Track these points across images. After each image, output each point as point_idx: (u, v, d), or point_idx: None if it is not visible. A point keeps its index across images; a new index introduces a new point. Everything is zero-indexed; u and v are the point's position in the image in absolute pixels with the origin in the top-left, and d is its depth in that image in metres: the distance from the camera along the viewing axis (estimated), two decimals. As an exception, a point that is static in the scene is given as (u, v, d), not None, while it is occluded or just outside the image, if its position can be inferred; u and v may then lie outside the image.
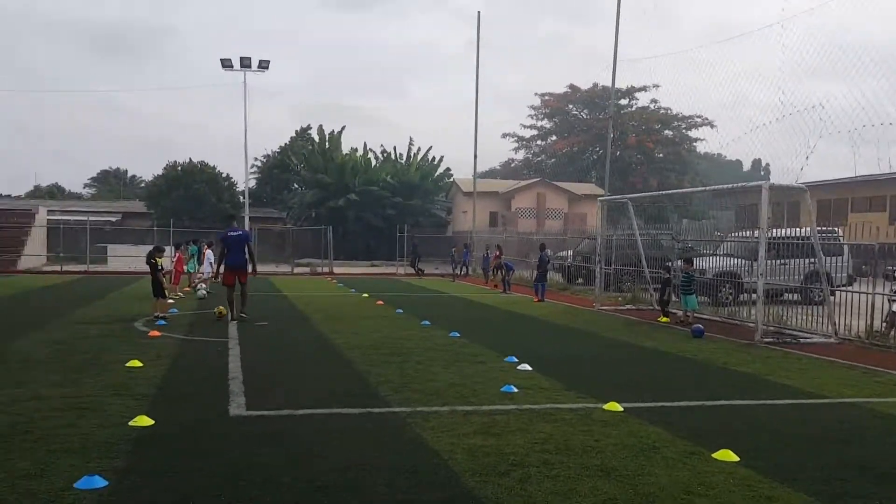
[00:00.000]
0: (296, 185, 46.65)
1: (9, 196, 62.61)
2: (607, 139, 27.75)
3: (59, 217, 38.56)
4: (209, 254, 20.46)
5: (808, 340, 13.19)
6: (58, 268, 31.33)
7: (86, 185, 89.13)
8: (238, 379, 8.27)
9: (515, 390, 8.06)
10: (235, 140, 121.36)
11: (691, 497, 4.85)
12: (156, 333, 11.73)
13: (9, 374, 8.24)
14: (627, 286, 22.21)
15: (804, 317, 14.44)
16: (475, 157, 35.72)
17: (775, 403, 7.90)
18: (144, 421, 6.24)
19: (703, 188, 16.14)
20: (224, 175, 45.71)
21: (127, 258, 30.22)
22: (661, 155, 59.42)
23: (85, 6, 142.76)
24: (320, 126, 45.60)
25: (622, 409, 7.30)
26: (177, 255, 19.92)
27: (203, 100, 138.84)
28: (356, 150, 45.93)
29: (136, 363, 8.92)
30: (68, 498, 4.45)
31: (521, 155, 67.34)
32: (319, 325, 13.81)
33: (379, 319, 15.06)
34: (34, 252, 32.82)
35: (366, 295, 21.14)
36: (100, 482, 4.69)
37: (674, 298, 17.03)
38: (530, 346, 11.80)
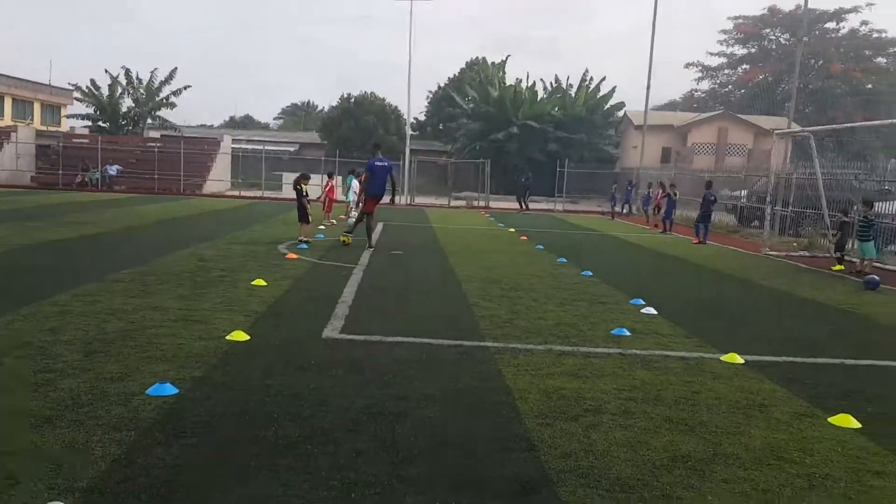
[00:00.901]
0: (464, 119, 46.65)
1: (208, 126, 68.61)
2: (795, 64, 24.73)
3: (244, 146, 41.61)
4: (355, 183, 21.13)
5: None
6: (237, 192, 34.04)
7: (275, 118, 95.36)
8: (346, 303, 8.39)
9: (628, 334, 7.48)
10: (398, 72, 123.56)
11: (780, 462, 4.20)
12: (293, 256, 12.26)
13: (145, 285, 8.94)
14: (806, 231, 20.10)
15: None
16: (648, 85, 33.49)
17: (940, 369, 6.70)
18: (241, 336, 6.47)
19: (892, 120, 13.87)
20: (393, 107, 46.75)
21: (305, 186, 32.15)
22: (869, 86, 52.53)
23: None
24: (483, 58, 45.00)
25: (742, 362, 6.53)
26: (328, 183, 20.63)
27: (383, 32, 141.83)
28: (520, 80, 44.93)
29: (261, 282, 9.34)
30: (135, 402, 4.68)
31: (705, 85, 62.50)
32: (452, 256, 13.76)
33: (515, 254, 14.75)
34: (218, 177, 35.76)
35: (512, 230, 20.84)
36: (170, 390, 4.89)
37: (852, 246, 15.12)
38: (667, 289, 10.99)
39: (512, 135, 41.00)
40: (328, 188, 20.68)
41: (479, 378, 5.66)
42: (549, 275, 11.84)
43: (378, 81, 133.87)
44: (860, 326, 8.69)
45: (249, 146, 42.81)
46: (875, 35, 52.81)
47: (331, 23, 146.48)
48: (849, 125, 17.96)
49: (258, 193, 33.77)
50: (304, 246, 13.88)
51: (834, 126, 20.97)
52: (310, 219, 15.10)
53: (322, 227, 18.44)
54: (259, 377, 5.38)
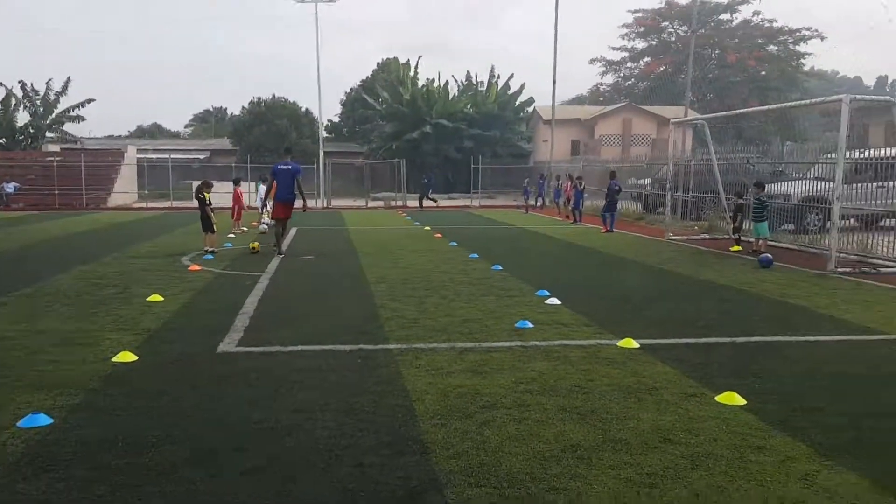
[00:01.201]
0: (378, 120, 46.34)
1: (116, 137, 65.74)
2: (689, 55, 25.72)
3: (152, 156, 40.05)
4: (261, 189, 20.98)
5: (891, 270, 11.90)
6: (144, 204, 32.80)
7: (187, 125, 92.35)
8: (248, 314, 8.16)
9: (530, 326, 7.56)
10: (323, 75, 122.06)
11: (666, 445, 4.30)
12: (195, 268, 11.86)
13: (33, 307, 8.45)
14: (706, 214, 20.92)
15: (889, 244, 13.03)
16: (554, 81, 34.15)
17: (821, 340, 7.05)
18: (128, 357, 6.18)
19: (777, 105, 14.60)
20: (305, 110, 46.01)
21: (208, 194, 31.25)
22: (764, 73, 55.14)
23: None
24: (395, 58, 44.87)
25: (637, 346, 6.70)
26: (236, 190, 20.13)
27: (298, 35, 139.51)
28: (433, 80, 45.05)
29: (157, 298, 8.97)
30: (3, 436, 4.38)
31: (610, 79, 64.22)
32: (363, 258, 13.63)
33: (428, 252, 14.74)
34: (124, 189, 34.34)
35: (427, 228, 20.87)
36: (44, 420, 4.60)
37: (748, 226, 15.81)
38: (572, 279, 11.20)
39: (426, 134, 41.05)
40: (235, 195, 20.17)
41: (378, 382, 5.58)
42: (461, 271, 11.88)
43: (292, 85, 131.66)
44: (754, 304, 9.07)
45: (157, 155, 41.30)
46: (766, 24, 55.44)
47: (241, 27, 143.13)
48: (737, 112, 18.75)
49: (168, 204, 32.65)
50: (210, 256, 13.47)
51: (725, 113, 21.91)
52: (214, 228, 14.65)
53: (232, 235, 17.97)
54: (144, 400, 5.14)
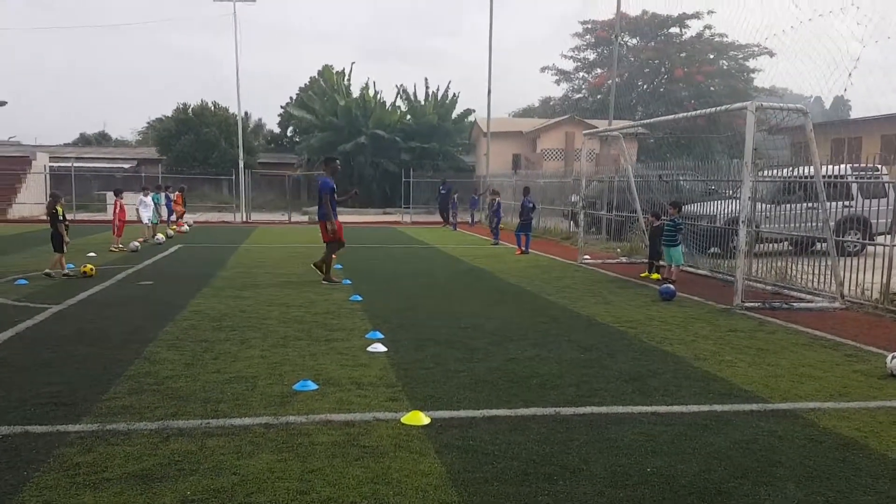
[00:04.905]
0: (315, 130, 44.27)
1: (58, 144, 62.47)
2: (613, 67, 24.51)
3: (79, 165, 37.36)
4: (147, 199, 19.90)
5: (806, 305, 10.41)
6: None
7: (140, 132, 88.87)
8: (-46, 368, 6.26)
9: (312, 388, 5.81)
10: (264, 82, 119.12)
11: None
12: (-15, 297, 9.90)
13: None
14: (628, 236, 19.47)
15: (812, 275, 11.58)
16: (489, 91, 32.76)
17: (673, 412, 5.38)
18: None
19: (690, 113, 13.22)
20: (245, 114, 43.81)
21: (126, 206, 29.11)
22: (713, 88, 54.51)
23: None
24: (330, 65, 43.05)
25: (426, 423, 5.00)
26: (116, 202, 18.16)
27: (243, 39, 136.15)
28: (367, 88, 43.20)
29: None
30: None
31: (561, 90, 63.19)
32: (213, 284, 11.79)
33: (297, 277, 12.98)
34: (31, 200, 31.81)
35: (330, 246, 19.06)
36: None
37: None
38: (430, 314, 9.44)
39: (361, 145, 39.18)
40: (117, 208, 18.20)
41: (-18, 498, 3.75)
42: (309, 302, 10.11)
43: (245, 89, 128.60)
44: (618, 352, 7.33)
45: (80, 164, 38.76)
46: (717, 39, 54.88)
47: (195, 28, 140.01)
48: (644, 122, 17.33)
49: (70, 216, 30.27)
50: (23, 281, 11.48)
51: (640, 122, 20.53)
52: (65, 248, 12.74)
53: (113, 249, 16.50)
54: None
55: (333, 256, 12.60)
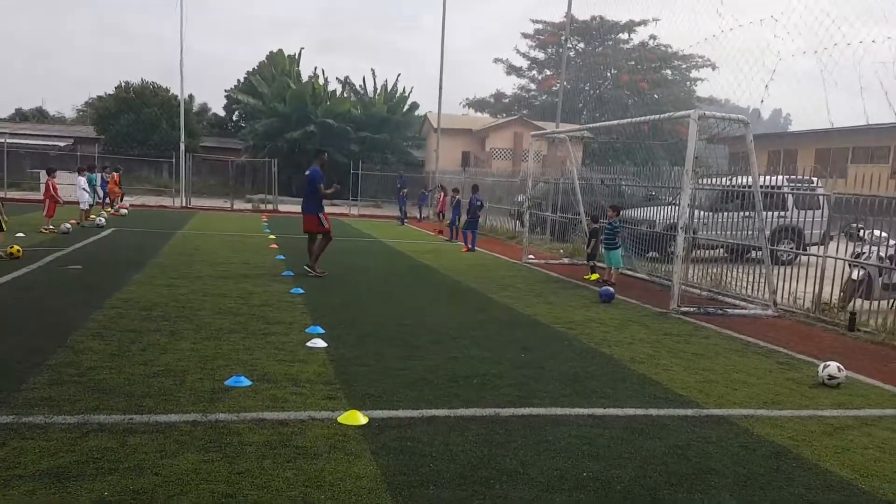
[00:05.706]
0: (261, 116, 43.31)
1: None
2: (562, 71, 24.73)
3: (9, 141, 35.57)
4: (82, 181, 19.27)
5: (739, 312, 10.66)
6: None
7: (80, 109, 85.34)
8: None
9: (245, 384, 5.62)
10: (212, 66, 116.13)
11: None
12: None
13: None
14: (571, 237, 19.66)
15: (746, 282, 11.87)
16: (440, 87, 32.55)
17: (609, 415, 5.39)
18: None
19: (636, 119, 13.36)
20: (188, 97, 42.53)
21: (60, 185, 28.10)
22: (656, 96, 55.64)
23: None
24: (280, 49, 42.16)
25: (363, 423, 4.88)
26: (48, 181, 17.38)
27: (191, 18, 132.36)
28: (316, 76, 42.46)
29: None
30: None
31: (511, 84, 63.58)
32: (145, 271, 11.36)
33: (238, 265, 12.65)
34: (-50, 178, 30.22)
35: (273, 237, 18.69)
36: None
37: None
38: (372, 310, 9.30)
39: (310, 133, 38.49)
40: (47, 187, 17.42)
41: None
42: (248, 293, 9.83)
43: (190, 69, 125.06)
44: (556, 353, 7.36)
45: (12, 141, 36.97)
46: (662, 48, 56.01)
47: (135, 9, 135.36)
48: (588, 126, 17.63)
49: (17, 194, 29.22)
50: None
51: (586, 126, 20.87)
52: (4, 226, 12.19)
53: (43, 230, 15.77)
54: None
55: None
